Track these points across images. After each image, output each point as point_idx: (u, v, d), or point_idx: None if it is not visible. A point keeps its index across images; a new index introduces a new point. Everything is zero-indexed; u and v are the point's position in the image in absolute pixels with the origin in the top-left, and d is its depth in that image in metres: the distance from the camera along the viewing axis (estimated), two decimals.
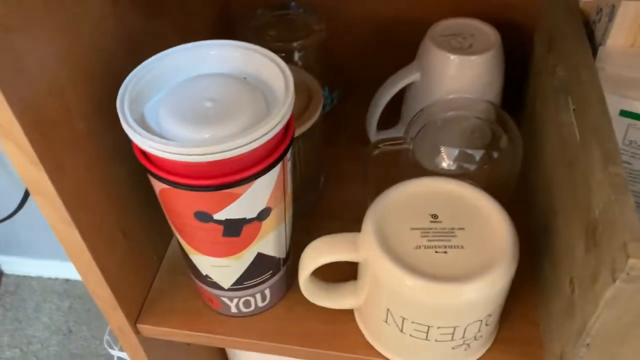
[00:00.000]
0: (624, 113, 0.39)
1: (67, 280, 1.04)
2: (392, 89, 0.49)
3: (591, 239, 0.32)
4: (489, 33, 0.48)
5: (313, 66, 0.53)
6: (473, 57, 0.46)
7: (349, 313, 0.43)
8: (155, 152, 0.30)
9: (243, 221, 0.34)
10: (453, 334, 0.36)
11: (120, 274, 0.40)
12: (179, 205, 0.34)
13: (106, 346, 0.69)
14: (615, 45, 0.39)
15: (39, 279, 1.05)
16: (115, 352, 0.72)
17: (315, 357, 0.42)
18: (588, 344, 0.33)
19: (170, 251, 0.48)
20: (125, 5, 0.38)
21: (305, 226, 0.49)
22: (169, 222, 0.37)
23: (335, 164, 0.54)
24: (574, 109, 0.38)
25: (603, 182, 0.31)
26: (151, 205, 0.39)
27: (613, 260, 0.28)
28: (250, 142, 0.30)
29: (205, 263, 0.38)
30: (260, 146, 0.31)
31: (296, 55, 0.52)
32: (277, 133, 0.32)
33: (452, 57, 0.46)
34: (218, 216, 0.33)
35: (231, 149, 0.30)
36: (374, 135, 0.53)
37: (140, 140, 0.30)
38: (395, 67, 0.51)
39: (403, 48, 0.52)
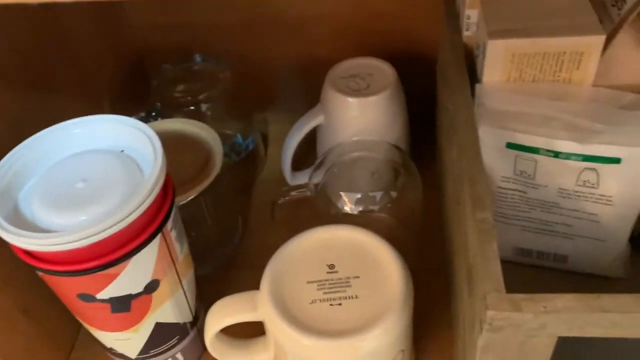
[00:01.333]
0: (510, 145, 0.40)
1: None
2: (299, 133, 0.50)
3: (469, 284, 0.33)
4: (386, 71, 0.48)
5: (223, 115, 0.53)
6: (370, 98, 0.46)
7: None
8: (25, 247, 0.30)
9: (129, 297, 0.34)
10: None
11: (27, 355, 0.40)
12: (61, 288, 0.33)
13: None
14: (492, 81, 0.39)
15: None
16: None
17: None
18: None
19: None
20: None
21: (224, 278, 0.49)
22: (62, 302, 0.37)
23: (254, 211, 0.54)
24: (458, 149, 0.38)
25: (473, 227, 0.31)
26: None
27: (479, 310, 0.29)
28: (120, 221, 0.30)
29: (105, 337, 0.38)
30: (135, 221, 0.31)
31: (204, 107, 0.52)
32: (152, 204, 0.32)
33: (349, 99, 0.46)
34: (101, 295, 0.33)
35: (101, 231, 0.30)
36: (289, 177, 0.53)
37: (9, 237, 0.30)
38: (309, 107, 0.52)
39: (311, 88, 0.52)
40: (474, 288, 0.30)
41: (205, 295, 0.43)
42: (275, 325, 0.36)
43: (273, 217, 0.47)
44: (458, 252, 0.38)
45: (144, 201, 0.31)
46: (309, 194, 0.44)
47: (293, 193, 0.46)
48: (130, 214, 0.31)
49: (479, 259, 0.29)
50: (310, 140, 0.52)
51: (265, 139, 0.61)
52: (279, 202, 0.46)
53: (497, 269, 0.28)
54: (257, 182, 0.58)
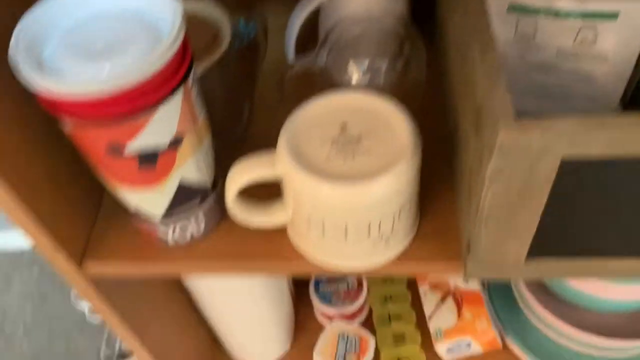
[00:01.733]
0: (512, 8, 0.41)
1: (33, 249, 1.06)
2: (303, 11, 0.50)
3: (477, 124, 0.35)
4: None
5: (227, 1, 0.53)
6: None
7: (283, 232, 0.46)
8: (58, 91, 0.31)
9: (156, 151, 0.36)
10: (369, 230, 0.39)
11: (56, 217, 0.42)
12: (90, 142, 0.35)
13: (73, 300, 0.71)
14: None
15: (4, 252, 1.05)
16: (85, 306, 0.74)
17: (254, 271, 0.45)
18: (485, 220, 0.36)
19: (108, 197, 0.50)
20: None
21: (234, 157, 0.51)
22: (88, 163, 0.38)
23: (260, 94, 0.56)
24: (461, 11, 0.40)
25: (482, 69, 0.33)
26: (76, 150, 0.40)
27: (490, 138, 0.31)
28: (148, 68, 0.32)
29: (131, 197, 0.40)
30: (158, 74, 0.32)
31: None
32: (174, 56, 0.33)
33: None
34: (130, 148, 0.35)
35: (130, 77, 0.31)
36: (293, 59, 0.54)
37: (41, 83, 0.31)
38: None
39: None
40: (483, 123, 0.33)
41: (221, 165, 0.45)
42: (294, 176, 0.38)
43: (282, 93, 0.49)
44: (464, 110, 0.40)
45: (169, 50, 0.32)
46: (315, 67, 0.46)
47: (300, 66, 0.47)
48: (157, 61, 0.32)
49: (489, 94, 0.31)
50: (311, 30, 0.53)
51: (265, 31, 0.61)
52: (287, 75, 0.47)
53: (506, 100, 0.31)
54: (260, 73, 0.59)
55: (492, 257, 0.39)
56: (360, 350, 0.70)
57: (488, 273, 0.41)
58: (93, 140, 0.35)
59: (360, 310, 0.78)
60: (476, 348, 0.73)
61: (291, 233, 0.45)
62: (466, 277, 0.42)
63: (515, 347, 0.74)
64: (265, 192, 0.45)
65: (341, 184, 0.37)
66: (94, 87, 0.31)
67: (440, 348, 0.73)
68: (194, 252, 0.45)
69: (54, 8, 0.35)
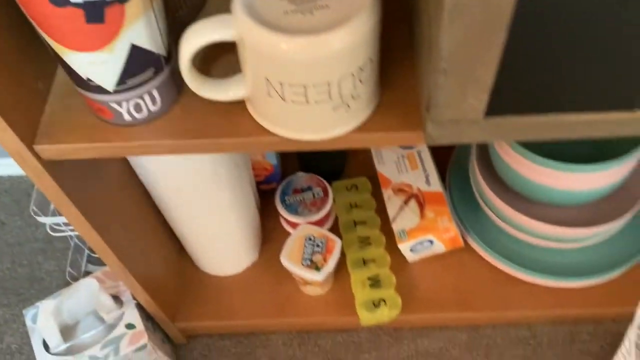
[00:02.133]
0: None
1: None
2: None
3: None
4: None
5: None
6: None
7: (242, 106, 0.45)
8: None
9: (103, 3, 0.34)
10: (329, 91, 0.39)
11: (4, 97, 0.40)
12: None
13: (32, 214, 0.69)
14: None
15: None
16: (45, 219, 0.72)
17: (213, 148, 0.44)
18: (444, 69, 0.36)
19: (59, 79, 0.47)
20: None
21: None
22: (31, 20, 0.36)
23: None
24: None
25: None
26: (24, 30, 0.38)
27: None
28: None
29: (80, 61, 0.38)
30: None
31: None
32: None
33: None
34: None
35: None
36: None
37: None
38: None
39: None
40: None
41: (175, 40, 0.43)
42: (252, 34, 0.37)
43: None
44: None
45: None
46: None
47: None
48: None
49: None
50: None
51: None
52: None
53: None
54: None
55: (451, 114, 0.39)
56: (327, 250, 0.71)
57: (448, 136, 0.41)
58: None
59: (326, 217, 0.78)
60: (438, 245, 0.75)
61: (251, 108, 0.44)
62: (427, 142, 0.42)
63: (476, 245, 0.76)
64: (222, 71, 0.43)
65: (299, 37, 0.36)
66: None
67: (404, 247, 0.75)
68: (148, 131, 0.44)
69: None
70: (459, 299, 0.76)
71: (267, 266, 0.80)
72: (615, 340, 0.78)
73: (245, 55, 0.39)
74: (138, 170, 0.61)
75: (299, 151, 0.71)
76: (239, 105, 0.44)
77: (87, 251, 0.87)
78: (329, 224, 0.81)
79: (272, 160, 0.81)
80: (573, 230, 0.67)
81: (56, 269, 0.90)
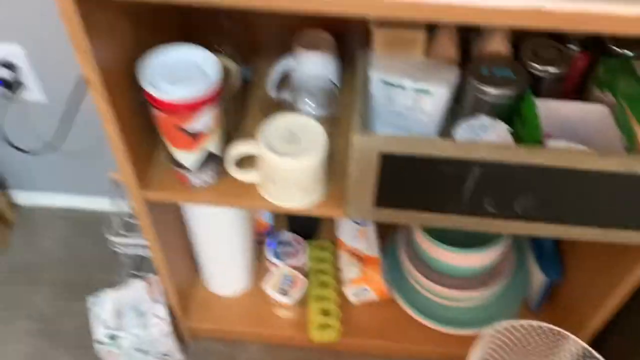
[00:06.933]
0: (383, 82, 0.81)
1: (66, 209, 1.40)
2: (280, 68, 0.90)
3: (349, 131, 0.74)
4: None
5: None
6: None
7: (255, 187, 0.84)
8: (159, 97, 0.70)
9: (197, 131, 0.74)
10: (299, 185, 0.78)
11: (138, 162, 0.80)
12: (165, 122, 0.73)
13: (107, 237, 1.06)
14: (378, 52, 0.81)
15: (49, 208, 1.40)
16: (116, 239, 1.10)
17: (235, 204, 0.83)
18: (352, 186, 0.75)
19: (159, 153, 0.87)
20: None
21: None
22: (159, 130, 0.76)
23: (250, 113, 0.95)
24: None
25: (356, 110, 0.73)
26: (154, 129, 0.79)
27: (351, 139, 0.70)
28: (201, 92, 0.70)
29: (179, 155, 0.78)
30: (207, 94, 0.71)
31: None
32: (214, 89, 0.72)
33: None
34: (184, 127, 0.73)
35: (193, 95, 0.70)
36: (274, 94, 0.93)
37: (159, 94, 0.70)
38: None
39: None
40: (351, 131, 0.72)
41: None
42: (264, 154, 0.77)
43: (265, 113, 0.87)
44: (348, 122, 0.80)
45: (214, 84, 0.71)
46: (285, 100, 0.85)
47: (276, 98, 0.86)
48: (207, 89, 0.71)
49: (354, 121, 0.71)
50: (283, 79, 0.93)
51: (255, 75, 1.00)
52: (269, 102, 0.86)
53: (358, 122, 0.70)
54: (251, 100, 0.98)
55: (357, 205, 0.78)
56: (296, 285, 1.08)
57: (358, 214, 0.80)
58: (166, 121, 0.73)
59: (299, 264, 1.15)
60: (372, 294, 1.11)
61: (258, 187, 0.83)
62: (347, 216, 0.80)
63: (398, 298, 1.12)
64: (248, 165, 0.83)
65: (285, 158, 0.75)
66: (178, 97, 0.69)
67: (348, 291, 1.11)
68: (207, 191, 0.83)
69: (158, 57, 0.73)
70: (384, 332, 1.11)
71: (255, 290, 1.17)
72: None
73: (260, 162, 0.79)
74: (188, 215, 0.99)
75: (287, 214, 1.09)
76: (253, 185, 0.84)
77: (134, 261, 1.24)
78: (301, 268, 1.17)
79: (269, 221, 1.19)
80: (456, 292, 1.03)
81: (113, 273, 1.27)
